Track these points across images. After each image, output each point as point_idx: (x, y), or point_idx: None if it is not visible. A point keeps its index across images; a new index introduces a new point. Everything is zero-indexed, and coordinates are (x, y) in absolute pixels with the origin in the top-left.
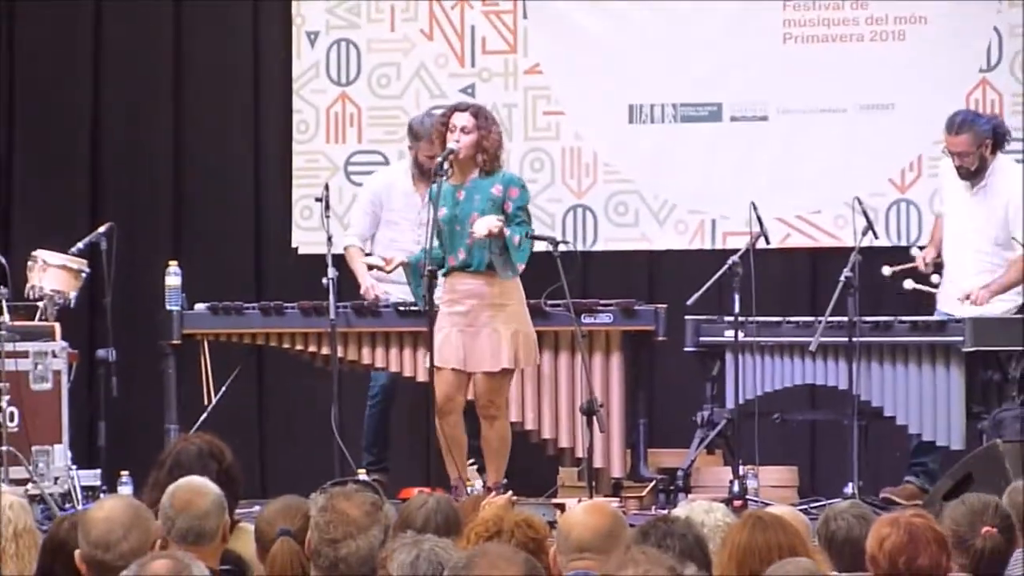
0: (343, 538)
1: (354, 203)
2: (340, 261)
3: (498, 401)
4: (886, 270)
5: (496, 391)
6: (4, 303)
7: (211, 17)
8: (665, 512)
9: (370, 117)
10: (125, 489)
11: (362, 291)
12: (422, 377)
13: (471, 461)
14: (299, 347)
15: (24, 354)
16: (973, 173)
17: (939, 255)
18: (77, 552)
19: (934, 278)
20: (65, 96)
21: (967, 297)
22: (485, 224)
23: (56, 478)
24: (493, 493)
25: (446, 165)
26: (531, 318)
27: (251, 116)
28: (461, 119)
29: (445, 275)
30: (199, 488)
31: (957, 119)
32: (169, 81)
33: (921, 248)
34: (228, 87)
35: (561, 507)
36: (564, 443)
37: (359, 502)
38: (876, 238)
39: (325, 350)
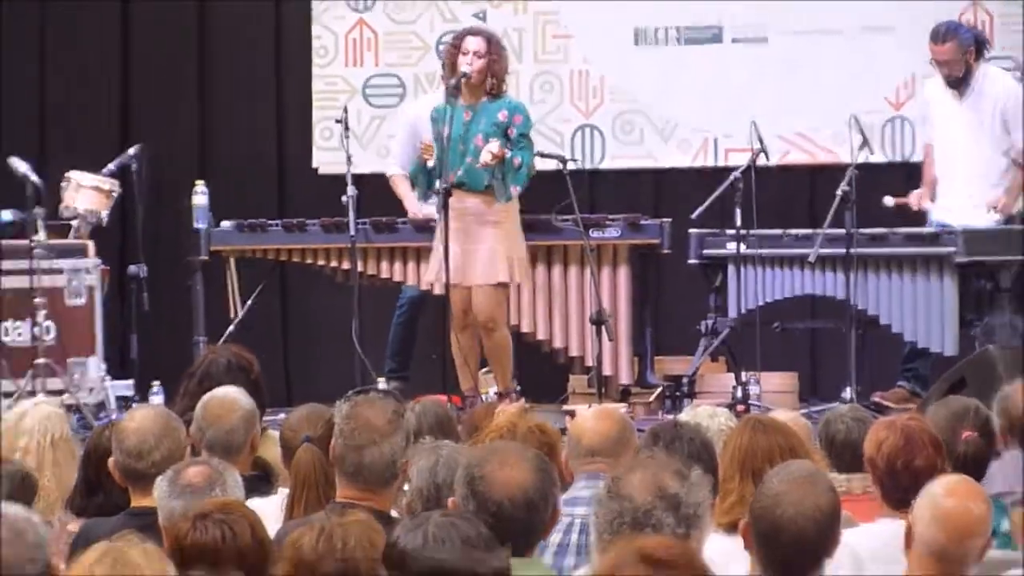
0: (367, 444)
1: (395, 133)
2: (359, 180)
3: (496, 313)
4: (888, 200)
5: (494, 304)
6: (40, 222)
7: None
8: (672, 417)
9: (386, 41)
10: (156, 399)
11: (411, 215)
12: (439, 291)
13: (486, 369)
14: (321, 262)
15: (59, 271)
16: (961, 80)
17: (932, 198)
18: (110, 460)
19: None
20: (94, 22)
21: (993, 208)
22: (488, 151)
23: (91, 388)
24: (506, 400)
25: (456, 85)
26: (542, 233)
27: (272, 42)
28: (474, 43)
29: (459, 190)
30: (230, 402)
31: (941, 29)
32: (194, 10)
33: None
34: (250, 14)
35: (572, 413)
36: (574, 352)
37: (382, 410)
38: (872, 154)
39: (345, 265)
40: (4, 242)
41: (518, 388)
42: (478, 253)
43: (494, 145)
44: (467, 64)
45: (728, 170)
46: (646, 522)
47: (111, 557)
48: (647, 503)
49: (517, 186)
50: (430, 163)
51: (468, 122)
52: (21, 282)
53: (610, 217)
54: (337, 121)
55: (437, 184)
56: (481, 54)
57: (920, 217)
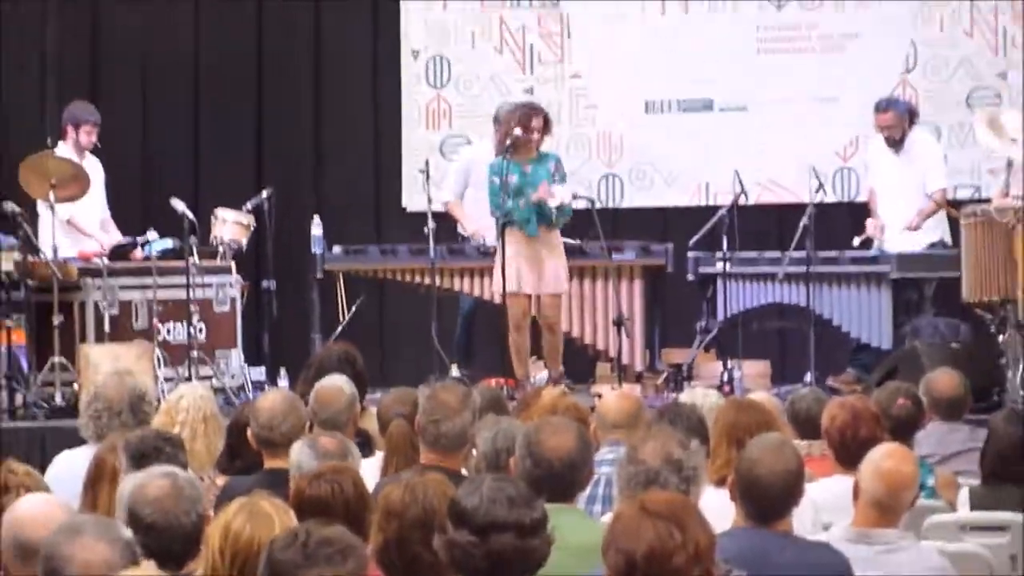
0: (443, 419)
1: (452, 171)
2: (437, 216)
3: (558, 314)
4: (856, 241)
5: (557, 307)
6: (194, 248)
7: (341, 41)
8: (675, 398)
9: (457, 111)
10: (283, 383)
11: (468, 233)
12: (497, 300)
13: (535, 358)
14: (407, 279)
15: (209, 285)
16: (898, 142)
17: (881, 224)
18: (248, 431)
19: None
20: (240, 95)
21: (908, 227)
22: (559, 194)
23: (233, 375)
24: (558, 381)
25: (511, 146)
26: (575, 256)
27: (371, 109)
28: (537, 122)
29: (510, 224)
30: (337, 389)
31: (883, 102)
32: (312, 85)
33: (866, 214)
34: (355, 87)
35: (599, 395)
36: (600, 346)
37: (454, 392)
38: (826, 195)
39: (426, 280)
40: (167, 263)
41: (562, 369)
42: (546, 269)
43: (559, 189)
44: (535, 132)
45: (717, 208)
46: (656, 481)
47: (248, 508)
48: (657, 466)
49: (565, 218)
50: (509, 204)
51: (528, 173)
52: (180, 294)
53: (627, 243)
54: (420, 171)
55: (498, 212)
56: (540, 129)
57: (866, 242)
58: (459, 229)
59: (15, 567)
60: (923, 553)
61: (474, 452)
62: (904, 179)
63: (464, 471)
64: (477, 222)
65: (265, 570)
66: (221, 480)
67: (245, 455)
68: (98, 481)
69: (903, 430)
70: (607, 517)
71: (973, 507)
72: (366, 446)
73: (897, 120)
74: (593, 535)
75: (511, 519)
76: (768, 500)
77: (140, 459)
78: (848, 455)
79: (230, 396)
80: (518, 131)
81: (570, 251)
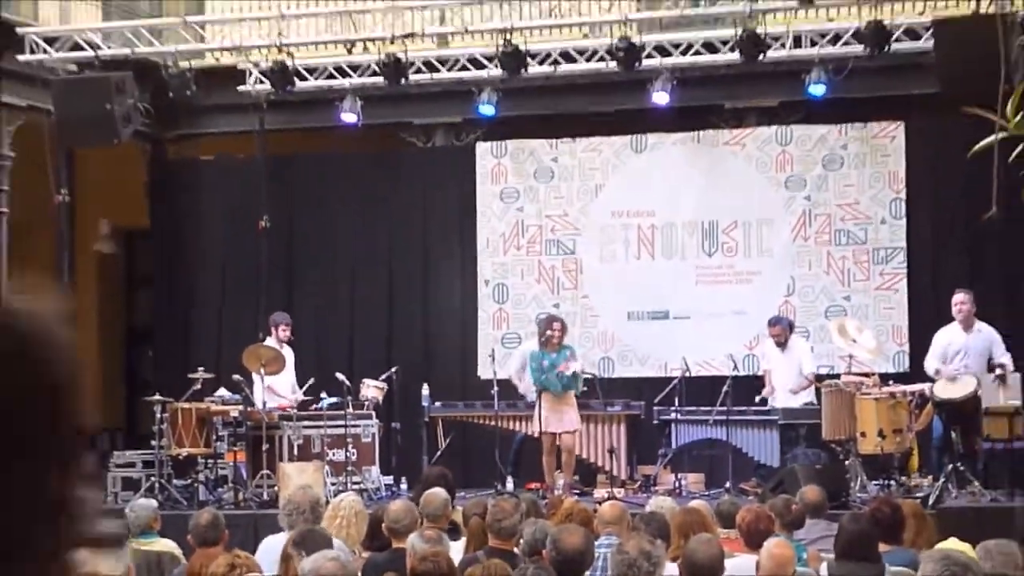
0: (503, 519)
1: (513, 357)
2: (500, 383)
3: (573, 445)
4: (757, 399)
5: (573, 440)
6: (350, 403)
7: (440, 274)
8: (647, 500)
9: (512, 318)
10: (403, 487)
11: (522, 391)
12: (536, 433)
13: (558, 471)
14: (481, 422)
15: (358, 425)
16: (782, 344)
17: (772, 389)
18: (383, 523)
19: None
20: (372, 301)
21: (791, 392)
22: (572, 367)
23: (373, 482)
24: (570, 488)
25: (546, 341)
26: (583, 408)
27: (459, 317)
28: (559, 326)
29: (545, 390)
30: (436, 495)
31: (773, 319)
32: (421, 300)
33: (763, 384)
34: (450, 304)
35: (599, 502)
36: (599, 464)
37: (510, 502)
38: (738, 371)
39: (493, 423)
40: (333, 412)
41: (576, 478)
42: (565, 417)
43: (575, 365)
44: (557, 332)
45: (672, 379)
46: (635, 565)
47: None
48: (635, 556)
49: (579, 386)
50: (543, 377)
51: (555, 357)
52: (340, 431)
53: (616, 401)
54: (489, 356)
55: (537, 382)
56: (560, 331)
57: (763, 401)
58: (520, 390)
59: None
60: None
61: (522, 541)
62: (788, 366)
63: (516, 550)
64: (526, 388)
65: None
66: (365, 554)
67: (380, 538)
68: (288, 560)
69: (795, 524)
70: None
71: (830, 574)
72: (455, 532)
73: (782, 331)
74: None
75: None
76: (702, 573)
77: (300, 544)
78: (753, 541)
79: (371, 496)
80: (548, 333)
81: (581, 406)
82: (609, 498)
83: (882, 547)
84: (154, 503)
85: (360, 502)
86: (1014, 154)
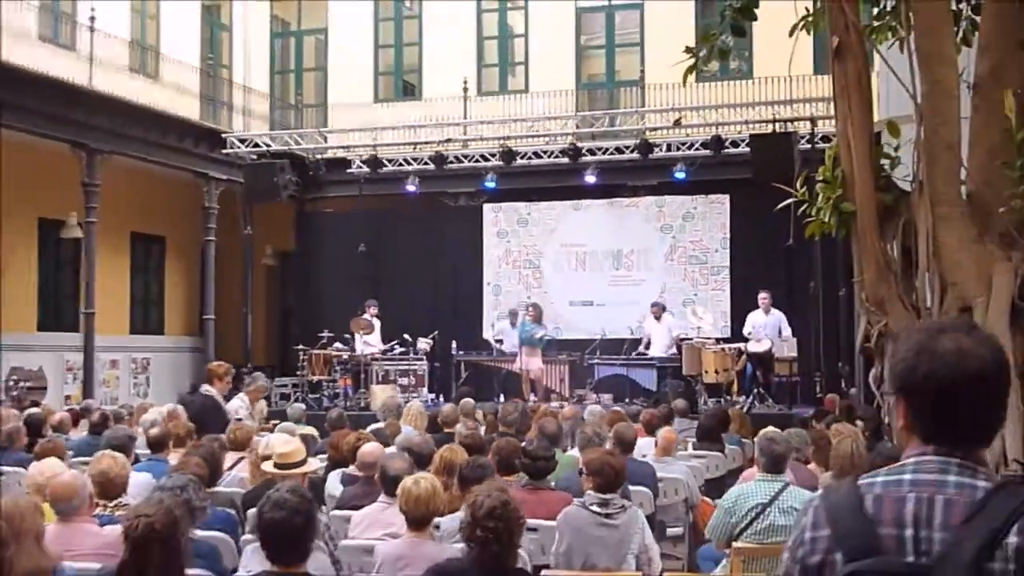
0: (507, 416)
1: (495, 329)
2: (498, 341)
3: (541, 376)
4: (643, 349)
5: (541, 374)
6: (411, 350)
7: (459, 277)
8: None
9: (502, 306)
10: (441, 400)
11: (505, 348)
12: (517, 370)
13: (531, 393)
14: (487, 364)
15: (415, 364)
16: (658, 318)
17: (649, 344)
18: (438, 419)
19: None
20: (421, 294)
21: (665, 348)
22: (539, 333)
23: (423, 398)
24: (544, 401)
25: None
26: (544, 356)
27: (472, 302)
28: (532, 308)
29: (523, 344)
30: (468, 402)
31: (653, 303)
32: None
33: (648, 344)
34: (471, 290)
35: (560, 407)
36: (554, 388)
37: (512, 405)
38: (633, 335)
39: (492, 364)
40: (402, 357)
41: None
42: (534, 361)
43: (542, 332)
44: (532, 312)
45: (594, 340)
46: (591, 438)
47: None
48: (591, 434)
49: (544, 343)
50: (523, 336)
51: (533, 327)
52: (405, 367)
53: (563, 352)
54: (492, 330)
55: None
56: (536, 310)
57: (646, 353)
58: (504, 348)
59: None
60: (678, 465)
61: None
62: (661, 332)
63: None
64: (509, 345)
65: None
66: (428, 435)
67: (436, 428)
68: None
69: (668, 420)
70: (574, 451)
71: (695, 450)
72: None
73: (658, 311)
74: (570, 460)
75: (548, 454)
76: (627, 443)
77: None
78: (649, 430)
79: (428, 405)
80: (531, 312)
81: (544, 355)
82: (563, 407)
83: (722, 435)
84: (303, 406)
85: (422, 406)
86: (800, 210)
